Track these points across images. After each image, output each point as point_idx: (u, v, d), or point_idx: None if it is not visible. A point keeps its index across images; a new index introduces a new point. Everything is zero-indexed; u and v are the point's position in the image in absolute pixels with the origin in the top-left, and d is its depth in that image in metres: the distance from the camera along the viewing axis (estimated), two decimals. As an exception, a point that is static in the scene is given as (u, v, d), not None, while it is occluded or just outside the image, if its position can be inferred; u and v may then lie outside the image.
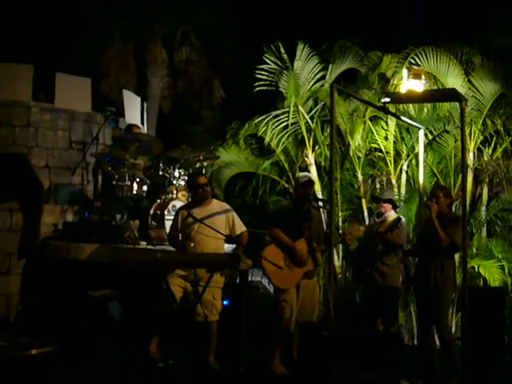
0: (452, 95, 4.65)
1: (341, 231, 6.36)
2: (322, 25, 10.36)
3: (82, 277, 5.68)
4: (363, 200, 8.11)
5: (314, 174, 8.28)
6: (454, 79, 6.79)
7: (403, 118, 5.77)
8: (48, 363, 4.46)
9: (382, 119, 7.42)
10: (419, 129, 5.44)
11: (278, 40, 8.08)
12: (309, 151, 8.25)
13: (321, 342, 4.07)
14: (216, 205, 5.33)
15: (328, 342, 3.72)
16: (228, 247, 5.59)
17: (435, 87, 7.17)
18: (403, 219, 5.98)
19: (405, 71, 4.60)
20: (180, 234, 5.28)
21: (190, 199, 6.12)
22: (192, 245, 5.03)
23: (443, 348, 5.18)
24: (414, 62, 7.03)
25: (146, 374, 4.68)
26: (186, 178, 6.30)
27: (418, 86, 4.57)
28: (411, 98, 4.64)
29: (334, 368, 3.24)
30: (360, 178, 8.15)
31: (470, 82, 6.83)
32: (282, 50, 7.85)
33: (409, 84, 4.55)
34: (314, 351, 4.40)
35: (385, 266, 5.90)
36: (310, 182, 5.40)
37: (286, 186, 8.91)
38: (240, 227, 5.28)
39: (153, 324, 5.02)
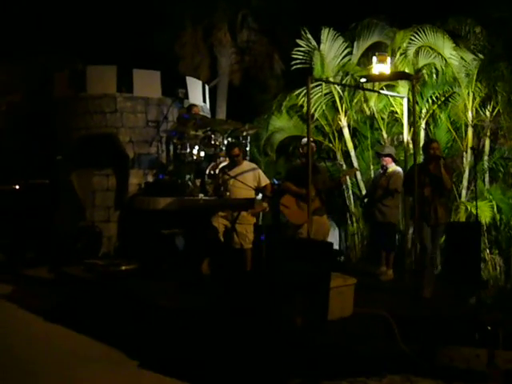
0: (406, 75, 6.18)
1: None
2: (347, 8, 11.76)
3: (157, 220, 7.84)
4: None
5: (346, 134, 9.87)
6: (448, 51, 8.14)
7: (383, 91, 7.28)
8: (132, 276, 6.68)
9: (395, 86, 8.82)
10: (402, 98, 6.95)
11: (308, 25, 9.64)
12: (342, 116, 9.80)
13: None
14: (246, 165, 7.24)
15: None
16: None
17: (439, 57, 8.55)
18: (399, 169, 7.55)
19: (374, 58, 6.10)
20: (222, 187, 7.24)
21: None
22: (228, 194, 6.99)
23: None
24: (416, 38, 8.46)
25: (199, 284, 6.67)
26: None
27: (385, 68, 6.07)
28: (381, 77, 6.19)
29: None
30: (385, 136, 9.64)
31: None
32: (310, 36, 9.38)
33: (377, 67, 6.06)
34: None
35: (384, 207, 7.55)
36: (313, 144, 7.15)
37: (330, 145, 10.56)
38: (264, 180, 7.15)
39: (204, 251, 7.07)
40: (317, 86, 9.68)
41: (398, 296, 6.64)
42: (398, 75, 6.50)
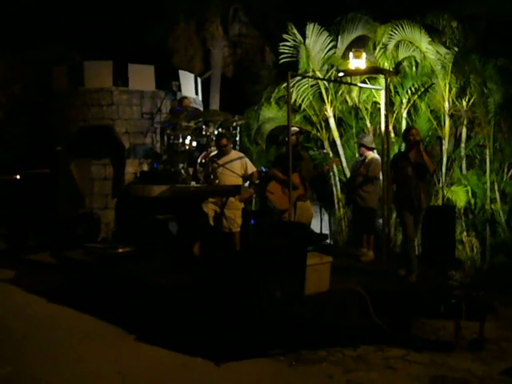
0: (379, 70, 6.68)
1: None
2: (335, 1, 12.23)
3: (152, 207, 8.33)
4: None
5: (332, 123, 10.35)
6: (424, 45, 8.62)
7: (360, 84, 7.77)
8: (129, 258, 7.20)
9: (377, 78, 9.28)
10: (381, 90, 7.43)
11: (298, 18, 10.09)
12: (328, 106, 10.28)
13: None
14: (234, 154, 7.73)
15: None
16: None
17: (418, 50, 9.04)
18: (377, 157, 8.02)
19: (351, 53, 6.57)
20: (211, 175, 7.73)
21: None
22: (217, 181, 7.49)
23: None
24: (395, 33, 8.93)
25: (190, 265, 7.13)
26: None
27: (360, 63, 6.54)
28: (357, 72, 6.67)
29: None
30: (369, 125, 10.12)
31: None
32: (295, 31, 9.85)
33: (354, 62, 6.53)
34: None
35: (363, 192, 8.00)
36: (297, 134, 7.64)
37: (318, 134, 11.04)
38: (251, 168, 7.65)
39: (195, 234, 7.57)
40: (304, 77, 10.13)
41: (376, 274, 7.13)
42: (372, 70, 6.99)
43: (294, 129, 7.90)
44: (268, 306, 5.24)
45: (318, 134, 10.98)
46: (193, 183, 8.46)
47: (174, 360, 5.18)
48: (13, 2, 13.92)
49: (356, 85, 8.00)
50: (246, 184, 7.87)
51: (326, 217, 11.05)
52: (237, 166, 7.54)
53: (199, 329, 5.44)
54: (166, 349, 5.37)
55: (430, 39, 8.59)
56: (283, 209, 7.50)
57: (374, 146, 8.09)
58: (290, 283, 5.28)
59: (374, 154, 8.04)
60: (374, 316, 5.65)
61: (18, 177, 10.85)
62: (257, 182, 7.80)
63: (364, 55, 6.47)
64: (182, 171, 8.65)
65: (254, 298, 5.25)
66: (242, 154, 7.83)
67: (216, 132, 8.84)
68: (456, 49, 8.59)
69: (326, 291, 5.86)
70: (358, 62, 6.49)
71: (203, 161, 8.63)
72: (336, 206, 10.98)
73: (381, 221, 8.89)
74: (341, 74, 6.80)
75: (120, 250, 7.21)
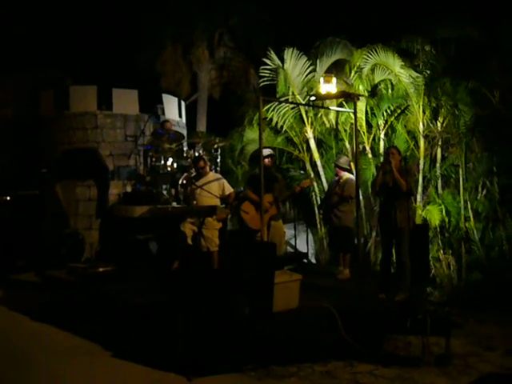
0: (348, 94, 6.96)
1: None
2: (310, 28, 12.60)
3: (133, 227, 8.55)
4: (351, 164, 10.34)
5: (312, 145, 10.61)
6: (397, 68, 8.93)
7: (332, 107, 8.06)
8: (109, 276, 7.39)
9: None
10: (352, 112, 7.69)
11: (281, 42, 10.43)
12: (307, 128, 10.54)
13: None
14: (212, 175, 7.98)
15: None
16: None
17: (393, 74, 9.34)
18: (352, 177, 8.23)
19: (321, 78, 6.84)
20: (190, 196, 7.97)
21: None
22: (195, 202, 7.72)
23: (399, 268, 6.81)
24: (369, 57, 9.24)
25: (169, 283, 7.33)
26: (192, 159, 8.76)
27: (331, 87, 6.79)
28: (328, 96, 6.92)
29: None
30: (348, 146, 10.38)
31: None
32: (274, 56, 10.17)
33: (325, 87, 6.79)
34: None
35: (339, 212, 8.18)
36: (271, 156, 7.89)
37: (300, 155, 11.28)
38: (228, 190, 7.88)
39: (175, 253, 7.77)
40: (280, 103, 10.40)
41: (349, 292, 7.27)
42: (341, 94, 7.25)
43: (268, 150, 8.14)
44: (237, 322, 5.42)
45: (301, 155, 11.22)
46: (174, 204, 8.69)
47: (148, 375, 5.35)
48: (7, 26, 14.28)
49: (328, 108, 8.30)
50: (223, 205, 8.08)
51: (310, 236, 11.30)
52: (214, 188, 7.77)
53: (173, 345, 5.60)
54: (141, 365, 5.52)
55: (402, 63, 8.90)
56: (256, 228, 7.67)
57: (348, 167, 8.32)
58: (258, 300, 5.46)
59: (348, 175, 8.25)
60: (343, 331, 5.79)
61: (8, 198, 11.04)
62: (234, 203, 8.01)
63: (334, 80, 6.71)
64: (165, 192, 8.88)
65: (224, 314, 5.43)
66: (219, 176, 8.07)
67: (196, 154, 9.10)
68: (428, 72, 8.88)
69: (296, 308, 6.04)
70: (328, 87, 6.73)
71: (184, 182, 8.87)
72: (318, 226, 11.18)
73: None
74: (312, 98, 7.06)
75: (101, 270, 7.41)
